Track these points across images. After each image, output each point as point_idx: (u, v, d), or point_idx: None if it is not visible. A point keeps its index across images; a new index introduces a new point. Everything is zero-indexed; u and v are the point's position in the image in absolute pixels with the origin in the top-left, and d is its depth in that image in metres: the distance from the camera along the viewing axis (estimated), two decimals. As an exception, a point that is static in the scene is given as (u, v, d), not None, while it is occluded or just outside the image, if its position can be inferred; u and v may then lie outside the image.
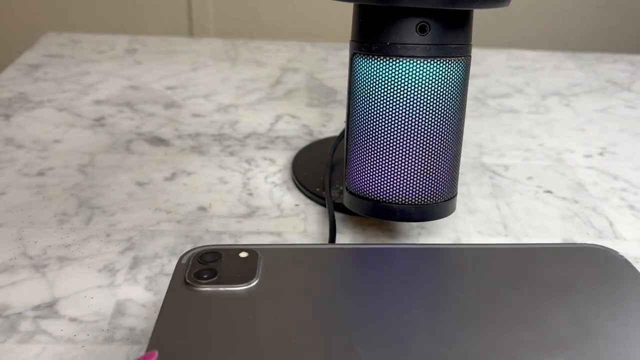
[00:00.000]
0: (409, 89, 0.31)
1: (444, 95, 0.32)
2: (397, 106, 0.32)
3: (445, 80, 0.32)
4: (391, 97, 0.32)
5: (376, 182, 0.33)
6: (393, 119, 0.32)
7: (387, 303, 0.25)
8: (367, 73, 0.32)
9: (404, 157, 0.32)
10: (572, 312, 0.25)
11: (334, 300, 0.25)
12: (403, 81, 0.31)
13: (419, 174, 0.33)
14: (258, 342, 0.22)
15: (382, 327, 0.23)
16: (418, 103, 0.32)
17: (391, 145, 0.32)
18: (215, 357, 0.21)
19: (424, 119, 0.32)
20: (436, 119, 0.32)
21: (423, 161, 0.33)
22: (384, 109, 0.32)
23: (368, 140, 0.33)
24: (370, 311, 0.24)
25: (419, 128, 0.32)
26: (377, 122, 0.33)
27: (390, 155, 0.33)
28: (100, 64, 0.71)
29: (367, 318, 0.24)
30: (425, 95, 0.32)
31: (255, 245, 0.29)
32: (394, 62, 0.31)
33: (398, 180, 0.33)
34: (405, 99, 0.32)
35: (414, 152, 0.32)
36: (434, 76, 0.31)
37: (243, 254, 0.28)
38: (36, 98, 0.59)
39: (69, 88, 0.62)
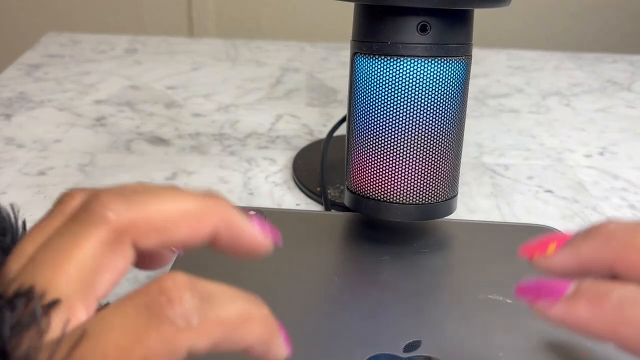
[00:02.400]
0: (410, 89, 0.31)
1: (444, 95, 0.32)
2: (398, 106, 0.32)
3: (446, 79, 0.32)
4: (392, 97, 0.32)
5: (377, 181, 0.33)
6: (394, 118, 0.32)
7: (349, 258, 0.33)
8: (368, 72, 0.32)
9: (404, 156, 0.33)
10: (503, 271, 0.32)
11: (313, 252, 0.32)
12: (404, 81, 0.31)
13: (419, 173, 0.33)
14: (249, 279, 0.27)
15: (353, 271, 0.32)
16: (419, 102, 0.32)
17: (392, 144, 0.32)
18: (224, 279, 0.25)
19: (424, 118, 0.32)
20: (437, 118, 0.32)
21: (424, 160, 0.33)
22: (385, 108, 0.32)
23: (369, 140, 0.33)
24: (344, 260, 0.33)
25: (420, 127, 0.32)
26: (378, 122, 0.33)
27: (391, 155, 0.33)
28: (100, 63, 0.71)
29: (343, 262, 0.32)
30: (426, 95, 0.32)
31: (262, 207, 0.36)
32: (395, 62, 0.31)
33: (399, 179, 0.33)
34: (406, 98, 0.32)
35: (414, 152, 0.32)
36: (434, 76, 0.31)
37: (251, 212, 0.31)
38: (37, 98, 0.59)
39: (70, 88, 0.62)
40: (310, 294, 0.29)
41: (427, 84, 0.31)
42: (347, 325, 0.27)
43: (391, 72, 0.32)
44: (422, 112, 0.32)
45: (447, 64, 0.31)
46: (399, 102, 0.32)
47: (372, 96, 0.32)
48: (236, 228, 0.21)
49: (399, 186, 0.33)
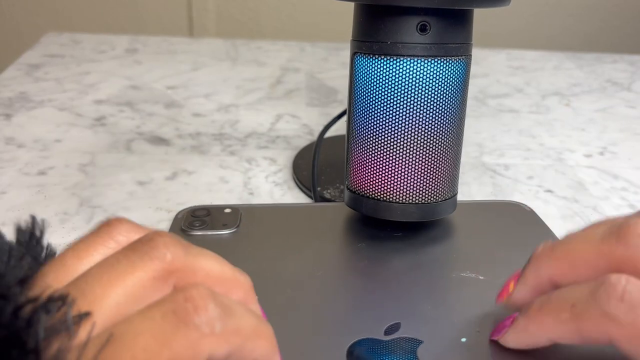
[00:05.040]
0: (410, 88, 0.31)
1: (444, 95, 0.32)
2: (398, 105, 0.32)
3: (446, 79, 0.32)
4: (392, 96, 0.32)
5: (377, 180, 0.34)
6: (394, 118, 0.32)
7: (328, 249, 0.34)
8: (368, 72, 0.32)
9: (404, 156, 0.33)
10: (474, 248, 0.34)
11: (294, 243, 0.33)
12: (404, 80, 0.31)
13: (419, 172, 0.33)
14: (238, 265, 0.29)
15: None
16: (419, 102, 0.32)
17: (392, 144, 0.33)
18: None
19: (424, 118, 0.32)
20: (437, 118, 0.32)
21: (423, 160, 0.33)
22: (385, 108, 0.32)
23: (369, 140, 0.33)
24: (321, 250, 0.33)
25: (420, 127, 0.32)
26: (378, 121, 0.33)
27: (391, 154, 0.33)
28: (101, 63, 0.71)
29: (320, 252, 0.33)
30: (426, 95, 0.32)
31: (237, 204, 0.37)
32: (395, 62, 0.31)
33: (398, 179, 0.33)
34: (405, 98, 0.32)
35: (414, 151, 0.32)
36: (434, 75, 0.31)
37: (227, 210, 0.36)
38: (37, 98, 0.59)
39: (70, 88, 0.62)
40: (289, 286, 0.29)
41: (427, 83, 0.31)
42: (328, 314, 0.27)
43: (391, 71, 0.32)
44: (421, 112, 0.32)
45: (447, 63, 0.32)
46: (398, 101, 0.32)
47: (372, 96, 0.32)
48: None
49: (398, 186, 0.33)
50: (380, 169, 0.33)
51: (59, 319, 0.16)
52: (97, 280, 0.18)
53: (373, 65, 0.32)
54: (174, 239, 0.20)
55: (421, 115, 0.32)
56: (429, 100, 0.32)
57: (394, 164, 0.33)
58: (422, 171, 0.33)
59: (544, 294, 0.24)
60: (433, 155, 0.33)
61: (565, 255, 0.23)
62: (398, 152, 0.33)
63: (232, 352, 0.18)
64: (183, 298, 0.17)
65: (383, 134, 0.33)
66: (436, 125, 0.32)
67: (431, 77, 0.31)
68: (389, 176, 0.33)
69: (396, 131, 0.32)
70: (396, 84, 0.32)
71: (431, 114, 0.32)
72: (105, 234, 0.20)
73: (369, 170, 0.34)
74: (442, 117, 0.32)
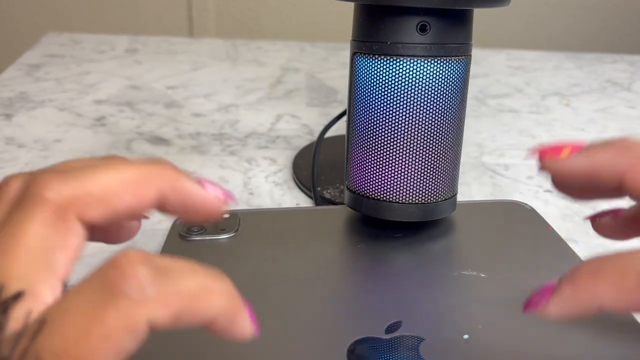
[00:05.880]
0: (410, 88, 0.31)
1: (444, 95, 0.32)
2: (398, 105, 0.32)
3: (446, 79, 0.32)
4: (392, 96, 0.32)
5: (377, 180, 0.34)
6: (393, 118, 0.32)
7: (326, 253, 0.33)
8: (368, 72, 0.32)
9: (404, 156, 0.33)
10: (474, 247, 0.34)
11: (293, 246, 0.33)
12: (403, 80, 0.31)
13: (419, 172, 0.33)
14: (235, 274, 0.28)
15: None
16: (418, 102, 0.32)
17: (392, 144, 0.33)
18: None
19: (424, 118, 0.32)
20: (436, 118, 0.32)
21: (423, 160, 0.33)
22: (385, 108, 0.32)
23: (369, 140, 0.33)
24: (322, 251, 0.33)
25: (420, 127, 0.32)
26: (378, 121, 0.33)
27: (391, 154, 0.33)
28: (101, 63, 0.71)
29: (321, 253, 0.33)
30: (426, 95, 0.32)
31: (235, 209, 0.36)
32: (395, 62, 0.31)
33: (398, 178, 0.33)
34: (405, 98, 0.32)
35: (414, 151, 0.32)
36: (434, 75, 0.31)
37: (226, 215, 0.36)
38: (37, 98, 0.59)
39: (70, 88, 0.62)
40: (289, 287, 0.29)
41: (427, 83, 0.31)
42: (328, 314, 0.27)
43: (391, 71, 0.32)
44: (421, 112, 0.32)
45: (447, 63, 0.32)
46: (398, 101, 0.32)
47: (371, 96, 0.33)
48: (183, 189, 0.21)
49: (398, 185, 0.33)
50: (380, 169, 0.33)
51: None
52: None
53: (373, 65, 0.32)
54: (50, 172, 0.19)
55: (421, 115, 0.32)
56: (429, 100, 0.32)
57: (394, 164, 0.33)
58: (422, 171, 0.33)
59: (598, 184, 0.21)
60: (433, 155, 0.33)
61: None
62: (398, 152, 0.33)
63: (178, 315, 0.17)
64: (111, 267, 0.16)
65: (383, 134, 0.33)
66: (436, 125, 0.32)
67: (431, 77, 0.31)
68: (389, 176, 0.33)
69: (396, 131, 0.32)
70: (396, 84, 0.32)
71: (431, 114, 0.32)
72: None
73: (369, 170, 0.34)
74: (442, 117, 0.32)
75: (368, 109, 0.33)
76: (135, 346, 0.16)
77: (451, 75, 0.32)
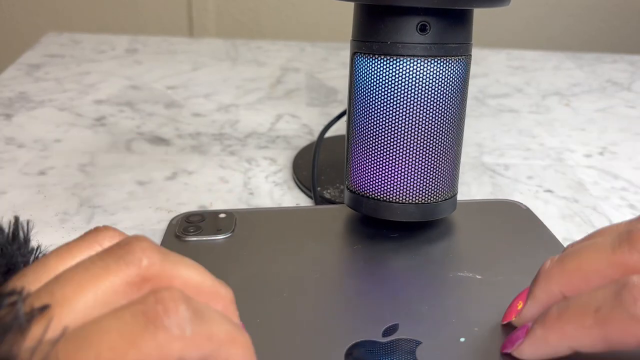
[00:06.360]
0: (410, 88, 0.31)
1: (444, 94, 0.32)
2: (398, 105, 0.32)
3: (446, 79, 0.32)
4: (392, 96, 0.32)
5: (377, 180, 0.34)
6: (393, 118, 0.32)
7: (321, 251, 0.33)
8: (368, 72, 0.32)
9: (404, 156, 0.33)
10: (471, 248, 0.34)
11: (290, 246, 0.33)
12: (403, 80, 0.31)
13: (419, 172, 0.33)
14: (231, 275, 0.29)
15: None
16: (419, 102, 0.32)
17: (392, 144, 0.33)
18: None
19: (424, 118, 0.32)
20: (436, 118, 0.32)
21: (423, 160, 0.33)
22: (385, 108, 0.32)
23: (369, 140, 0.33)
24: (318, 252, 0.33)
25: (420, 127, 0.32)
26: (378, 121, 0.33)
27: (391, 154, 0.33)
28: (101, 63, 0.71)
29: (317, 254, 0.33)
30: (426, 94, 0.32)
31: (232, 209, 0.37)
32: (395, 61, 0.31)
33: (398, 178, 0.33)
34: (405, 98, 0.32)
35: (414, 151, 0.32)
36: (434, 75, 0.31)
37: (222, 215, 0.36)
38: (37, 98, 0.59)
39: (70, 88, 0.62)
40: (285, 289, 0.29)
41: (427, 83, 0.31)
42: (325, 317, 0.27)
43: (391, 71, 0.32)
44: (421, 112, 0.32)
45: (447, 63, 0.32)
46: (398, 101, 0.32)
47: (371, 96, 0.32)
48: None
49: (398, 185, 0.33)
50: (380, 169, 0.33)
51: (12, 315, 0.16)
52: (68, 281, 0.18)
53: (373, 65, 0.32)
54: (153, 244, 0.20)
55: (421, 115, 0.32)
56: (429, 100, 0.32)
57: (394, 164, 0.33)
58: (422, 171, 0.33)
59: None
60: (433, 155, 0.33)
61: (576, 268, 0.23)
62: (398, 152, 0.33)
63: (204, 357, 0.18)
64: (154, 299, 0.17)
65: (383, 134, 0.33)
66: (436, 125, 0.32)
67: (431, 77, 0.31)
68: (389, 176, 0.33)
69: (396, 131, 0.32)
70: (396, 84, 0.32)
71: (431, 114, 0.32)
72: (92, 238, 0.20)
73: (369, 170, 0.34)
74: (442, 117, 0.32)
75: (368, 108, 0.33)
76: None
77: (451, 75, 0.32)
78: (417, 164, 0.33)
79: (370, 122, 0.33)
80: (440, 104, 0.32)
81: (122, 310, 0.17)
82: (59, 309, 0.17)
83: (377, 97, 0.32)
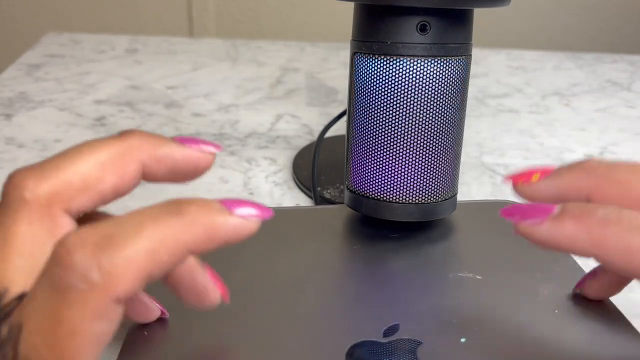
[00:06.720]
0: (410, 88, 0.31)
1: (444, 94, 0.32)
2: (398, 105, 0.32)
3: (446, 79, 0.32)
4: (392, 96, 0.32)
5: (377, 180, 0.34)
6: (393, 118, 0.32)
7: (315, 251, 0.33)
8: (368, 72, 0.32)
9: (404, 156, 0.33)
10: (470, 248, 0.34)
11: (288, 246, 0.33)
12: (403, 80, 0.31)
13: (419, 172, 0.33)
14: (231, 274, 0.29)
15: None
16: (418, 102, 0.32)
17: (392, 144, 0.33)
18: None
19: (424, 117, 0.32)
20: (436, 117, 0.32)
21: (423, 160, 0.33)
22: (385, 108, 0.32)
23: (369, 140, 0.33)
24: (317, 252, 0.33)
25: (420, 127, 0.32)
26: (378, 121, 0.33)
27: (391, 154, 0.33)
28: (101, 63, 0.71)
29: (316, 255, 0.32)
30: (426, 94, 0.32)
31: None
32: (395, 61, 0.31)
33: (398, 178, 0.33)
34: (405, 97, 0.32)
35: (414, 151, 0.32)
36: (434, 75, 0.31)
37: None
38: (37, 98, 0.59)
39: (70, 88, 0.62)
40: (285, 289, 0.29)
41: (427, 83, 0.31)
42: (325, 317, 0.27)
43: (391, 71, 0.32)
44: (421, 112, 0.32)
45: (447, 63, 0.32)
46: (398, 101, 0.32)
47: (371, 96, 0.32)
48: (163, 155, 0.21)
49: (398, 185, 0.33)
50: (380, 169, 0.33)
51: None
52: None
53: (373, 65, 0.32)
54: (25, 170, 0.19)
55: (421, 115, 0.32)
56: (429, 100, 0.32)
57: (394, 164, 0.33)
58: (422, 171, 0.33)
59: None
60: (433, 155, 0.33)
61: (624, 185, 0.21)
62: (398, 152, 0.32)
63: (143, 277, 0.16)
64: (52, 262, 0.15)
65: (383, 134, 0.33)
66: (436, 125, 0.32)
67: (431, 77, 0.31)
68: (389, 176, 0.33)
69: (396, 131, 0.32)
70: (396, 84, 0.32)
71: (431, 114, 0.32)
72: None
73: (369, 170, 0.34)
74: (442, 117, 0.32)
75: (368, 108, 0.33)
76: (112, 327, 0.16)
77: (451, 75, 0.32)
78: (417, 164, 0.33)
79: (370, 122, 0.33)
80: (440, 104, 0.32)
81: (34, 288, 0.16)
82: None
83: (377, 97, 0.32)
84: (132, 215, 0.17)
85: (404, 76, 0.31)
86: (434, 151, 0.33)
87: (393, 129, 0.32)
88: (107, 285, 0.15)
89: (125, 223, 0.16)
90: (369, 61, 0.32)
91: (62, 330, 0.15)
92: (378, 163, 0.33)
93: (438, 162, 0.33)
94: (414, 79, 0.31)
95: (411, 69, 0.31)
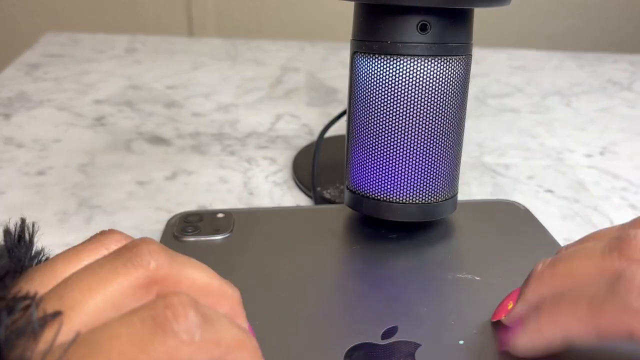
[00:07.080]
0: (410, 88, 0.31)
1: (444, 94, 0.32)
2: (398, 105, 0.32)
3: (446, 78, 0.32)
4: (392, 96, 0.32)
5: (377, 180, 0.33)
6: (394, 117, 0.32)
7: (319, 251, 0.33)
8: (368, 72, 0.32)
9: (404, 155, 0.32)
10: (469, 249, 0.34)
11: (288, 247, 0.33)
12: (404, 80, 0.31)
13: (419, 172, 0.33)
14: (230, 275, 0.29)
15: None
16: (419, 102, 0.32)
17: (392, 144, 0.32)
18: None
19: (424, 117, 0.32)
20: (437, 117, 0.32)
21: (424, 160, 0.33)
22: (385, 107, 0.32)
23: (369, 139, 0.33)
24: (316, 253, 0.33)
25: (420, 127, 0.32)
26: (378, 121, 0.32)
27: (391, 154, 0.33)
28: (100, 63, 0.70)
29: (315, 256, 0.32)
30: (426, 94, 0.31)
31: (230, 209, 0.36)
32: (395, 61, 0.31)
33: (398, 178, 0.33)
34: (406, 97, 0.32)
35: (414, 151, 0.32)
36: (434, 75, 0.31)
37: (220, 215, 0.36)
38: (36, 97, 0.59)
39: (69, 87, 0.62)
40: (284, 290, 0.29)
41: (427, 83, 0.31)
42: (324, 319, 0.27)
43: (391, 71, 0.31)
44: (422, 112, 0.32)
45: (447, 63, 0.31)
46: (398, 101, 0.32)
47: (372, 95, 0.32)
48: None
49: (398, 185, 0.33)
50: (380, 169, 0.33)
51: (25, 319, 0.16)
52: (77, 284, 0.18)
53: (373, 65, 0.32)
54: (160, 247, 0.20)
55: (421, 115, 0.32)
56: (429, 100, 0.32)
57: (394, 164, 0.33)
58: (422, 171, 0.33)
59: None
60: (433, 155, 0.33)
61: (566, 273, 0.23)
62: (398, 152, 0.32)
63: None
64: (163, 304, 0.17)
65: (383, 133, 0.32)
66: (436, 125, 0.32)
67: (431, 77, 0.31)
68: (389, 176, 0.33)
69: (396, 131, 0.32)
70: (396, 83, 0.31)
71: (431, 114, 0.32)
72: (98, 241, 0.20)
73: (369, 170, 0.34)
74: (442, 117, 0.32)
75: (368, 108, 0.33)
76: None
77: (451, 75, 0.32)
78: (417, 164, 0.32)
79: (370, 122, 0.33)
80: (441, 104, 0.32)
81: (131, 315, 0.17)
82: (69, 312, 0.17)
83: (377, 96, 0.32)
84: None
85: (404, 76, 0.31)
86: (434, 151, 0.33)
87: (393, 128, 0.32)
88: (198, 349, 0.17)
89: (220, 314, 0.19)
90: (369, 61, 0.32)
91: (141, 359, 0.16)
92: (378, 163, 0.33)
93: (438, 162, 0.33)
94: (414, 78, 0.31)
95: (411, 68, 0.31)
